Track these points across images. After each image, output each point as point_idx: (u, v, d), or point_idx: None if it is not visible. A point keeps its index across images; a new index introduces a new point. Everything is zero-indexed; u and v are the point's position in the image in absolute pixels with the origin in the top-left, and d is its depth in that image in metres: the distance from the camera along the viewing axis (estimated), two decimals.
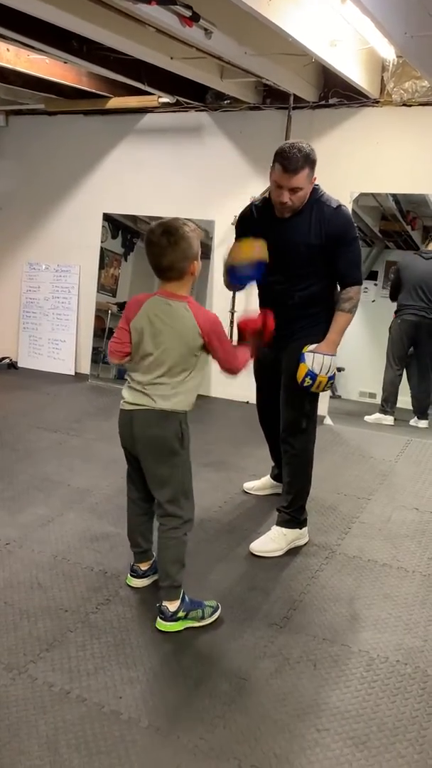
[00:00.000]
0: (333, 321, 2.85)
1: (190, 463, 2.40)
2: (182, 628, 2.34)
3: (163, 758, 1.80)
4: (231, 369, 2.37)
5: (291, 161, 2.63)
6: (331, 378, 2.82)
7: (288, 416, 2.94)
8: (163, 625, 2.33)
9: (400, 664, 2.24)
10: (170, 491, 2.34)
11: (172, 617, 2.33)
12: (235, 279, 2.79)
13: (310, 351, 2.79)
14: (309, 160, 2.67)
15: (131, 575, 2.61)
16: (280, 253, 2.79)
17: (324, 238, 2.76)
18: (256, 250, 2.65)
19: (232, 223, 4.30)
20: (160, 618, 2.34)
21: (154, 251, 2.22)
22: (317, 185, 2.85)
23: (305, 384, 2.78)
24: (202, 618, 2.38)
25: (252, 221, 2.95)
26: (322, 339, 2.89)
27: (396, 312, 5.63)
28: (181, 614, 2.34)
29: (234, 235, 3.07)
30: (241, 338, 2.57)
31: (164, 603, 2.35)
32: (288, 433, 2.95)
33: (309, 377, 2.77)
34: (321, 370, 2.76)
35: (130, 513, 2.56)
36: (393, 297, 5.74)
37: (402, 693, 2.10)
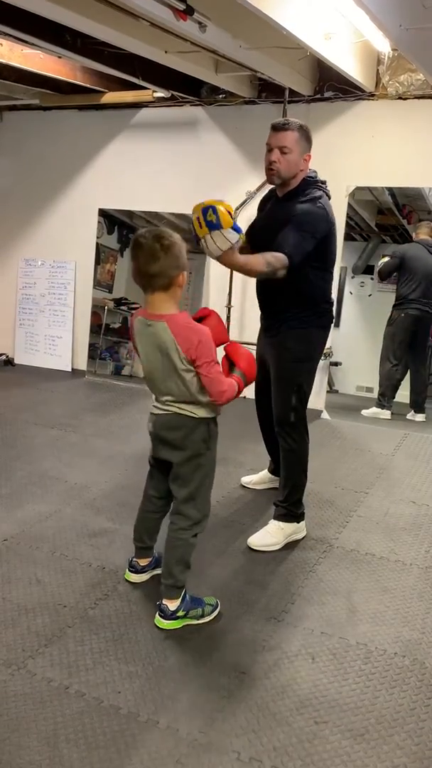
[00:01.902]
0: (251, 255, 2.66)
1: (215, 464, 2.40)
2: (181, 626, 2.34)
3: (162, 752, 1.81)
4: (215, 394, 2.21)
5: (280, 121, 2.77)
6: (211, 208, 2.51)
7: (277, 410, 2.95)
8: (161, 622, 2.33)
9: (398, 656, 2.24)
10: (188, 490, 2.35)
11: (172, 616, 2.33)
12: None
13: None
14: (300, 128, 2.75)
15: (129, 570, 2.61)
16: (267, 236, 2.77)
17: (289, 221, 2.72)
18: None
19: (235, 212, 4.27)
20: (160, 616, 2.34)
21: (143, 256, 2.10)
22: (313, 175, 2.85)
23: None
24: (202, 616, 2.37)
25: (263, 203, 3.05)
26: (306, 336, 2.90)
27: (397, 305, 5.60)
28: (180, 613, 2.33)
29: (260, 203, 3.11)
30: (231, 366, 2.42)
31: (164, 601, 2.34)
32: (279, 427, 2.96)
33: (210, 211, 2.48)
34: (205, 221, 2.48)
35: (143, 508, 2.56)
36: (384, 277, 5.69)
37: (400, 685, 2.11)
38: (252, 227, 3.00)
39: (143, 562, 2.60)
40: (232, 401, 2.27)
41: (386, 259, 5.70)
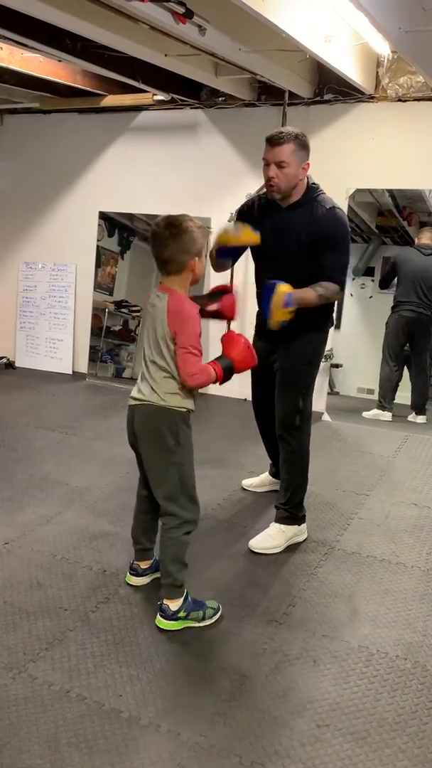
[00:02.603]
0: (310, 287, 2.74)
1: (191, 462, 2.38)
2: (181, 627, 2.34)
3: (163, 756, 1.80)
4: (184, 375, 2.23)
5: (275, 135, 2.74)
6: (288, 305, 2.64)
7: (282, 413, 2.95)
8: (162, 623, 2.33)
9: (399, 659, 2.24)
10: (165, 489, 2.35)
11: (173, 616, 2.33)
12: (224, 255, 2.81)
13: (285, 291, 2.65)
14: (295, 138, 2.73)
15: (130, 573, 2.61)
16: (275, 246, 2.81)
17: (313, 237, 2.75)
18: (251, 235, 2.70)
19: (229, 220, 4.28)
20: (161, 616, 2.34)
21: (156, 242, 2.21)
22: (315, 184, 2.86)
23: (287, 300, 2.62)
24: (203, 619, 2.37)
25: (253, 212, 2.98)
26: (316, 339, 2.93)
27: (393, 308, 5.64)
28: (181, 614, 2.33)
29: (240, 213, 3.08)
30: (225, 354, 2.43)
31: (165, 601, 2.35)
32: (283, 429, 2.95)
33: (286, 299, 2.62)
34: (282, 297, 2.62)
35: (137, 510, 2.57)
36: (383, 285, 5.74)
37: (402, 688, 2.10)
38: (267, 241, 2.92)
39: (144, 564, 2.60)
40: (207, 386, 2.35)
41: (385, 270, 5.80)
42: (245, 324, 4.89)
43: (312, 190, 2.83)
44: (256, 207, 2.98)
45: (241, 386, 4.40)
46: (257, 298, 2.98)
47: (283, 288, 2.65)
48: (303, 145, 2.76)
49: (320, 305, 2.85)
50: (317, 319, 2.92)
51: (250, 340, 2.55)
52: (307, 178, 2.85)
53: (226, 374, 2.33)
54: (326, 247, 2.75)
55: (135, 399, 2.35)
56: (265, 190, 2.89)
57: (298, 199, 2.83)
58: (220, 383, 2.35)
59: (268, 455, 3.43)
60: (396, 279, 5.68)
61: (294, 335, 2.87)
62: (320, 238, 2.75)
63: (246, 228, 2.70)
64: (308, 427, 2.98)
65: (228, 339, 2.43)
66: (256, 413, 3.30)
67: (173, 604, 2.33)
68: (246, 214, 3.01)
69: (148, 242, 2.29)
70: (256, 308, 3.09)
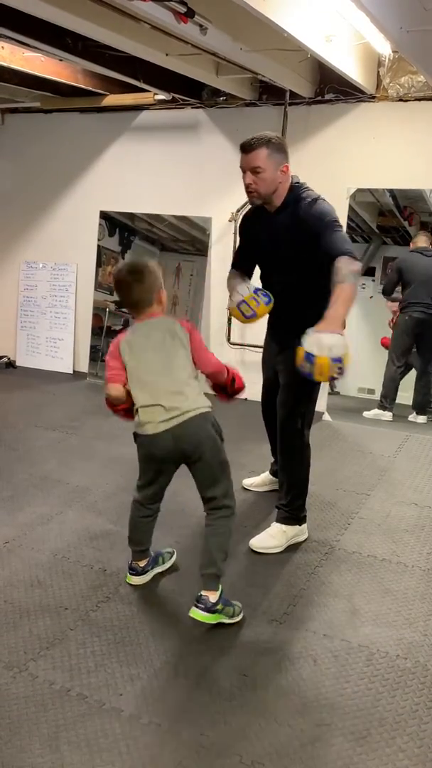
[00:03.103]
0: (332, 296, 2.55)
1: None
2: (216, 621, 2.32)
3: (164, 755, 1.81)
4: (202, 359, 2.43)
5: (247, 142, 2.72)
6: (337, 360, 2.33)
7: (283, 416, 2.94)
8: (200, 615, 2.29)
9: (399, 658, 2.24)
10: (222, 488, 2.41)
11: (212, 608, 2.30)
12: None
13: (310, 331, 2.43)
14: (268, 143, 2.68)
15: (131, 573, 2.61)
16: (273, 252, 2.81)
17: (305, 234, 2.71)
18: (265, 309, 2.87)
19: (230, 220, 4.29)
20: (199, 608, 2.29)
21: (123, 288, 2.38)
22: (299, 183, 2.81)
23: (305, 370, 2.37)
24: (233, 615, 2.38)
25: (251, 222, 2.99)
26: None
27: (402, 308, 5.66)
28: (219, 606, 2.32)
29: (231, 232, 3.07)
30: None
31: (204, 593, 2.32)
32: (284, 432, 2.95)
33: (306, 360, 2.35)
34: (321, 350, 2.34)
35: (137, 514, 2.57)
36: (388, 292, 5.78)
37: (402, 687, 2.10)
38: (254, 248, 2.97)
39: (143, 563, 2.61)
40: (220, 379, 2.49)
41: (388, 277, 5.85)
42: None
43: (295, 190, 2.78)
44: (253, 216, 2.98)
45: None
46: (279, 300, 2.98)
47: (300, 351, 2.42)
48: (278, 149, 2.70)
49: (324, 304, 2.82)
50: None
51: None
52: (292, 178, 2.81)
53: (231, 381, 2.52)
54: (320, 235, 2.66)
55: (167, 420, 2.31)
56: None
57: (282, 203, 2.79)
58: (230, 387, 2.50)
59: (273, 454, 3.43)
60: (400, 284, 5.73)
61: (298, 339, 2.86)
62: (311, 231, 2.68)
63: (261, 307, 2.85)
64: (308, 430, 2.97)
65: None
66: (264, 413, 3.30)
67: (213, 596, 2.31)
68: (247, 227, 3.02)
69: (116, 291, 2.47)
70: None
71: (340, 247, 2.61)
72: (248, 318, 2.93)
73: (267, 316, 3.01)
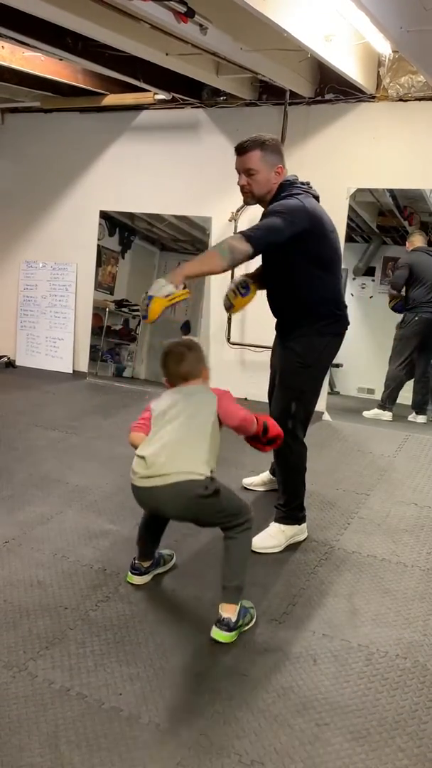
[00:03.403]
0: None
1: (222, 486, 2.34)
2: (237, 636, 2.29)
3: (163, 754, 1.81)
4: (233, 416, 2.36)
5: (240, 144, 2.73)
6: (149, 298, 2.40)
7: (274, 415, 2.93)
8: (224, 636, 2.25)
9: (399, 658, 2.24)
10: (225, 521, 2.34)
11: (235, 626, 2.27)
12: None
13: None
14: (262, 144, 2.69)
15: (132, 572, 2.60)
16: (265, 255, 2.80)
17: None
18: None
19: (230, 220, 4.29)
20: (223, 629, 2.25)
21: (174, 360, 2.45)
22: (290, 181, 2.78)
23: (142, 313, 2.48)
24: (251, 620, 2.37)
25: None
26: (318, 342, 2.86)
27: (410, 309, 5.66)
28: (240, 622, 2.29)
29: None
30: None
31: (226, 614, 2.26)
32: None
33: (144, 301, 2.43)
34: (153, 290, 2.40)
35: (146, 517, 2.57)
36: (399, 288, 5.77)
37: (401, 687, 2.10)
38: None
39: (146, 563, 2.60)
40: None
41: (398, 272, 5.83)
42: (246, 319, 4.89)
43: (282, 189, 2.75)
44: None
45: (240, 385, 4.41)
46: (267, 297, 3.00)
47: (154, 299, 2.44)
48: (273, 150, 2.71)
49: (322, 304, 2.82)
50: (316, 322, 2.83)
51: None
52: (288, 178, 2.79)
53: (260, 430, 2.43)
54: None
55: (148, 477, 2.30)
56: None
57: (272, 199, 2.78)
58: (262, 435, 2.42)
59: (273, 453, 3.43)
60: (413, 282, 5.75)
61: (291, 337, 2.87)
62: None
63: (237, 299, 2.89)
64: (302, 431, 2.92)
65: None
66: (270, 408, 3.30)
67: (233, 612, 2.27)
68: None
69: (162, 366, 2.51)
70: (262, 317, 3.11)
71: (249, 231, 2.56)
72: (227, 309, 3.05)
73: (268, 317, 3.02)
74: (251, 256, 2.55)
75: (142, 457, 2.31)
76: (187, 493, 2.22)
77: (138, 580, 2.59)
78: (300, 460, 2.97)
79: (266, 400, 3.27)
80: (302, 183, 2.81)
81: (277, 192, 2.77)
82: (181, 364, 2.45)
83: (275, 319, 3.08)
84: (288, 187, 2.76)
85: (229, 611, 2.27)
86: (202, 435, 2.29)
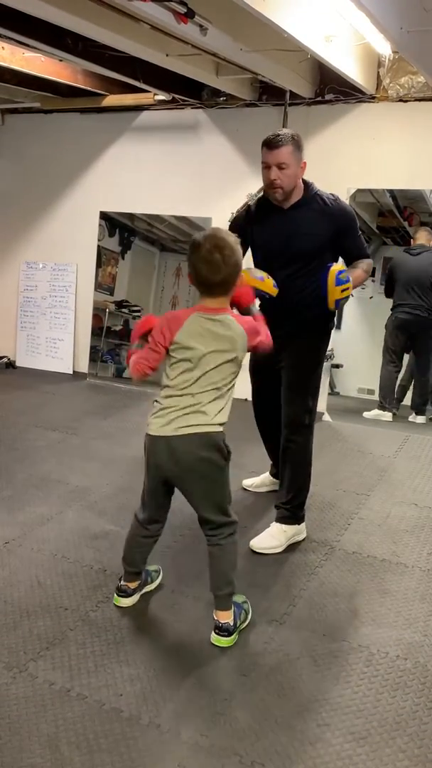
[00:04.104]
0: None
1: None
2: (237, 636, 2.29)
3: (164, 755, 1.80)
4: (266, 349, 2.33)
5: (273, 139, 2.77)
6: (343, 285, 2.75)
7: (291, 413, 2.94)
8: (224, 641, 2.25)
9: (400, 659, 2.24)
10: (220, 509, 2.29)
11: (233, 630, 2.27)
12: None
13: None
14: (292, 139, 2.77)
15: (119, 595, 2.47)
16: (284, 247, 2.83)
17: (332, 228, 2.85)
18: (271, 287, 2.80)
19: (229, 220, 4.28)
20: (220, 635, 2.25)
21: (206, 267, 2.13)
22: (310, 181, 2.91)
23: (340, 278, 2.72)
24: (247, 616, 2.37)
25: (249, 221, 2.98)
26: (325, 340, 2.99)
27: (391, 309, 5.67)
28: (237, 623, 2.29)
29: (232, 227, 3.07)
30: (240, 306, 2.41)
31: (222, 619, 2.26)
32: (291, 430, 2.95)
33: (341, 276, 2.73)
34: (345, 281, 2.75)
35: (136, 533, 2.43)
36: (388, 294, 5.79)
37: (402, 688, 2.10)
38: (254, 246, 2.98)
39: (133, 585, 2.49)
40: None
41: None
42: None
43: (309, 188, 2.90)
44: (252, 214, 3.00)
45: (240, 386, 4.41)
46: (260, 299, 2.98)
47: (336, 267, 2.75)
48: (299, 146, 2.81)
49: (321, 303, 2.86)
50: (325, 321, 2.97)
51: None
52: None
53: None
54: (347, 234, 2.91)
55: (173, 428, 2.19)
56: (262, 193, 2.93)
57: (299, 199, 2.87)
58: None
59: (269, 455, 3.43)
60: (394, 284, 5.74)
61: (304, 336, 2.90)
62: (340, 227, 2.88)
63: (269, 279, 2.80)
64: (313, 427, 2.99)
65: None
66: (257, 414, 3.30)
67: (229, 617, 2.27)
68: (242, 226, 2.98)
69: (191, 263, 2.17)
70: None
71: (363, 252, 3.01)
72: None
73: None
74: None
75: (169, 409, 2.23)
76: (209, 443, 2.21)
77: (125, 602, 2.46)
78: (310, 456, 3.02)
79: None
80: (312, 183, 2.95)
81: (306, 193, 2.88)
82: (216, 273, 2.13)
83: (271, 318, 3.08)
84: (313, 187, 2.91)
85: (225, 617, 2.28)
86: (222, 386, 2.24)
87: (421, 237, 5.72)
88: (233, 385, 2.27)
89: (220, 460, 2.25)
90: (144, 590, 2.54)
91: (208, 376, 2.19)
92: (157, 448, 2.23)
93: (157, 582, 2.61)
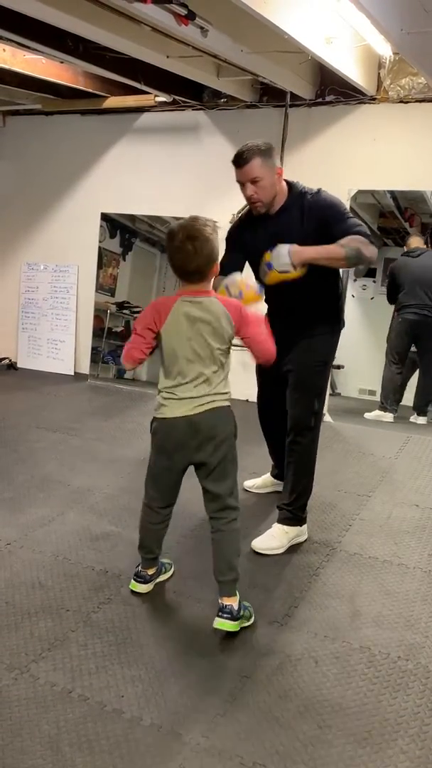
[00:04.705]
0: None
1: None
2: (239, 628, 2.31)
3: (165, 756, 1.81)
4: (267, 354, 2.37)
5: (239, 156, 2.72)
6: (269, 266, 2.61)
7: (297, 415, 2.94)
8: (228, 624, 2.27)
9: (401, 660, 2.24)
10: (228, 486, 2.36)
11: (238, 615, 2.29)
12: None
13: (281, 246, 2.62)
14: (259, 151, 2.70)
15: (137, 581, 2.55)
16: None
17: (317, 222, 2.75)
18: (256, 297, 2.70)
19: (230, 222, 4.29)
20: (226, 618, 2.28)
21: (179, 256, 2.22)
22: (290, 180, 2.86)
23: (264, 269, 2.64)
24: (250, 617, 2.38)
25: (243, 231, 2.97)
26: (331, 340, 2.95)
27: (397, 310, 5.68)
28: (242, 612, 2.32)
29: (228, 238, 3.04)
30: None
31: (227, 602, 2.30)
32: (296, 431, 2.94)
33: (266, 266, 2.63)
34: (276, 264, 2.60)
35: (148, 520, 2.50)
36: (391, 299, 5.80)
37: (404, 689, 2.10)
38: (249, 256, 2.93)
39: (151, 571, 2.56)
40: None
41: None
42: None
43: (294, 188, 2.84)
44: (245, 223, 2.98)
45: (242, 387, 4.40)
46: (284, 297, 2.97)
47: (278, 249, 2.62)
48: (269, 154, 2.73)
49: (332, 304, 2.86)
50: (331, 321, 2.96)
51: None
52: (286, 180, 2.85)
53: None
54: (332, 222, 2.73)
55: (187, 408, 2.28)
56: (247, 208, 2.91)
57: (284, 203, 2.82)
58: None
59: (271, 457, 3.43)
60: (398, 288, 5.76)
61: (309, 336, 2.89)
62: (324, 219, 2.74)
63: (249, 291, 2.68)
64: (319, 429, 2.98)
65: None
66: (261, 415, 3.30)
67: (234, 602, 2.31)
68: (237, 236, 2.98)
69: (167, 251, 2.27)
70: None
71: (352, 228, 2.69)
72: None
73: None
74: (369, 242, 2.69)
75: (179, 386, 2.34)
76: (225, 415, 2.34)
77: (142, 588, 2.54)
78: (314, 458, 3.02)
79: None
80: (299, 183, 2.88)
81: (290, 190, 2.82)
82: (189, 262, 2.20)
83: (276, 320, 3.08)
84: (297, 187, 2.84)
85: (229, 600, 2.31)
86: (219, 361, 2.35)
87: (415, 241, 5.79)
88: (227, 361, 2.35)
89: (232, 431, 2.35)
90: (158, 579, 2.60)
91: (197, 357, 2.28)
92: (177, 428, 2.31)
93: (170, 573, 2.68)
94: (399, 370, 5.69)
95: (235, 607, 2.29)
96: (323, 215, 2.75)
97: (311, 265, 2.73)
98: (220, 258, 2.32)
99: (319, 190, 2.82)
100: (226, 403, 2.34)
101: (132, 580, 2.57)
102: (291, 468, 3.00)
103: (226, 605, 2.30)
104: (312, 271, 2.79)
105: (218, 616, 2.29)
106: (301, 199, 2.80)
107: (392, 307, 5.81)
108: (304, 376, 2.92)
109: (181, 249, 2.19)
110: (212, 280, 2.34)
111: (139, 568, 2.56)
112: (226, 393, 2.34)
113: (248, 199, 2.78)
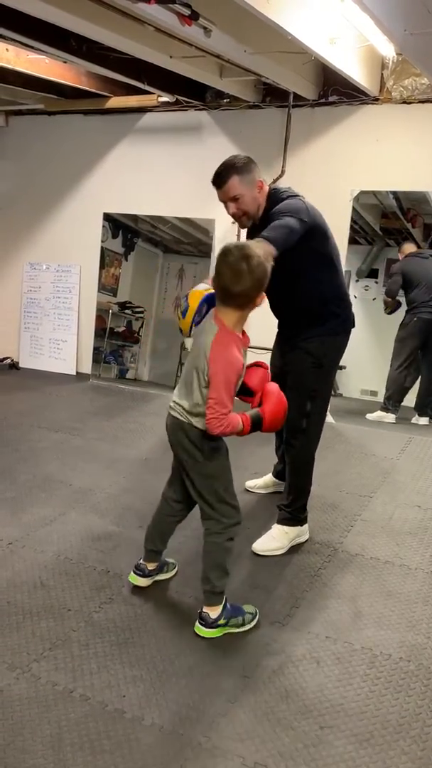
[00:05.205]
0: None
1: (228, 468, 2.38)
2: (221, 634, 2.32)
3: (166, 756, 1.81)
4: (209, 425, 2.17)
5: (216, 177, 2.72)
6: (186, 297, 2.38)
7: (289, 417, 2.93)
8: (202, 631, 2.31)
9: (403, 661, 2.24)
10: (204, 500, 2.34)
11: (213, 624, 2.31)
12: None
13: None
14: (235, 169, 2.67)
15: (136, 573, 2.58)
16: None
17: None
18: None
19: (233, 222, 4.30)
20: (201, 624, 2.32)
21: (229, 274, 2.11)
22: (276, 189, 2.82)
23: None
24: (242, 624, 2.37)
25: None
26: (329, 342, 2.90)
27: (410, 310, 5.68)
28: (221, 621, 2.32)
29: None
30: (248, 392, 2.38)
31: (205, 609, 2.33)
32: (289, 433, 2.95)
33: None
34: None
35: (160, 510, 2.55)
36: (393, 295, 5.81)
37: (405, 690, 2.10)
38: None
39: (151, 566, 2.58)
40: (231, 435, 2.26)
41: (392, 280, 5.90)
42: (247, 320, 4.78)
43: (273, 196, 2.78)
44: (239, 233, 3.00)
45: None
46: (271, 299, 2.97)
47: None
48: (247, 169, 2.70)
49: (329, 303, 2.85)
50: (327, 321, 2.88)
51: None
52: (274, 188, 2.83)
53: (253, 430, 2.29)
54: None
55: (173, 410, 2.34)
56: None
57: (265, 213, 2.79)
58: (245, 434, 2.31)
59: (278, 456, 3.44)
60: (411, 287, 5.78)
61: (303, 338, 2.88)
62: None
63: (195, 293, 2.49)
64: (317, 431, 2.95)
65: (267, 390, 2.37)
66: None
67: (213, 612, 2.32)
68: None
69: (217, 268, 2.15)
70: (266, 317, 3.09)
71: (271, 234, 2.51)
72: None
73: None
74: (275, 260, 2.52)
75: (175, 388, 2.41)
76: (184, 431, 2.31)
77: (141, 581, 2.57)
78: (311, 460, 2.99)
79: None
80: (285, 189, 2.83)
81: (269, 203, 2.77)
82: (237, 283, 2.10)
83: (278, 320, 3.09)
84: (276, 194, 2.78)
85: (207, 608, 2.33)
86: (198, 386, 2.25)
87: (409, 247, 5.83)
88: (203, 397, 2.20)
89: (194, 452, 2.31)
90: (159, 577, 2.61)
91: (187, 369, 2.31)
92: (167, 425, 2.39)
93: (172, 573, 2.68)
94: (407, 370, 5.70)
95: (212, 615, 2.31)
96: (274, 219, 2.66)
97: (290, 270, 2.64)
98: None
99: (287, 190, 2.79)
100: (187, 422, 2.26)
101: (131, 572, 2.59)
102: (287, 469, 3.00)
103: (202, 612, 2.34)
104: (293, 276, 2.73)
105: (197, 620, 2.35)
106: (274, 206, 2.75)
107: (386, 311, 5.86)
108: (295, 377, 2.91)
109: (233, 266, 2.10)
110: (246, 316, 2.23)
111: (141, 560, 2.58)
112: (196, 418, 2.24)
113: (232, 216, 2.80)
